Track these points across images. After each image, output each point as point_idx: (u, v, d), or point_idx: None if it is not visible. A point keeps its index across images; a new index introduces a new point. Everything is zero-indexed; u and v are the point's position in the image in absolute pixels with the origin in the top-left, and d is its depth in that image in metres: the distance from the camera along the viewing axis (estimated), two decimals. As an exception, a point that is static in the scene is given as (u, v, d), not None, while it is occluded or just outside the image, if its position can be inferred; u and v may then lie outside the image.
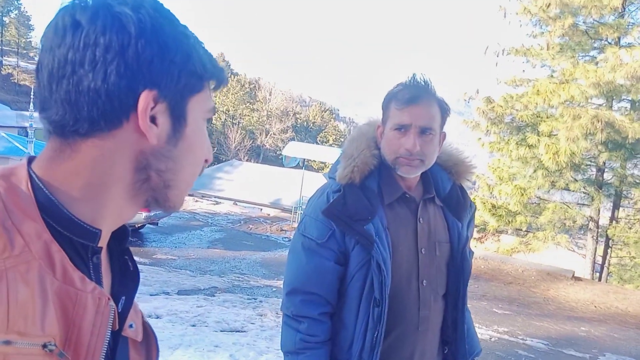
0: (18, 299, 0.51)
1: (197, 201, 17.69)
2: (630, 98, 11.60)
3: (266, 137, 55.70)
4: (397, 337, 1.53)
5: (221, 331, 5.51)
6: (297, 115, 67.06)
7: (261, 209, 18.42)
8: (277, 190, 21.05)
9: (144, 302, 6.16)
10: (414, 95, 1.50)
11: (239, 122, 53.51)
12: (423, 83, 1.53)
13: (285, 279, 1.58)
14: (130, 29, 0.58)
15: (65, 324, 0.56)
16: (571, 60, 11.67)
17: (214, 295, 7.12)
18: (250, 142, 51.28)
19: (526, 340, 6.67)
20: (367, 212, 1.49)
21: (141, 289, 6.81)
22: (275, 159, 46.30)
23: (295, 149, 17.33)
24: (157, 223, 11.59)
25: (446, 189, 1.64)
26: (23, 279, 0.52)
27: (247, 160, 37.66)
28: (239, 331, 5.60)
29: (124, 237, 0.72)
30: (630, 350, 6.81)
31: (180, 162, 0.65)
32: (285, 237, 13.49)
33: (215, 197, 19.88)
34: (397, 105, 1.51)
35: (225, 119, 54.11)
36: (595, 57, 11.74)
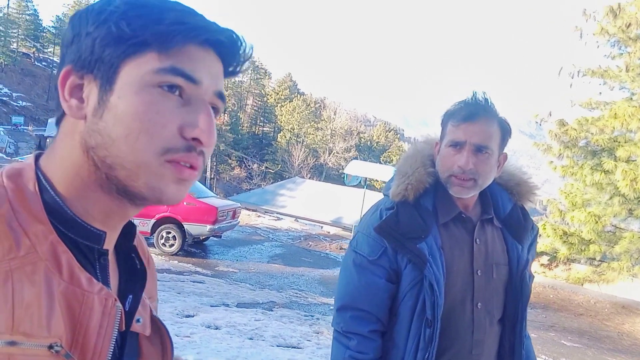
0: (24, 299, 0.51)
1: (259, 216, 18.02)
2: None
3: (329, 156, 56.13)
4: (450, 359, 1.49)
5: (277, 346, 5.53)
6: (361, 135, 67.24)
7: (322, 227, 18.49)
8: (338, 209, 21.07)
9: (204, 313, 6.31)
10: (471, 112, 1.47)
11: (303, 141, 54.31)
12: (483, 101, 1.50)
13: (336, 294, 1.58)
14: (70, 20, 0.63)
15: (72, 325, 0.56)
16: (653, 82, 11.02)
17: (272, 310, 7.17)
18: (314, 160, 51.87)
19: (597, 376, 6.25)
20: (420, 230, 1.47)
21: (202, 299, 7.03)
22: (337, 177, 46.45)
23: (357, 168, 17.33)
24: (221, 236, 11.87)
25: (506, 210, 1.60)
26: (29, 280, 0.52)
27: (309, 178, 38.03)
28: (294, 347, 5.60)
29: (131, 235, 0.71)
30: None
31: (108, 134, 0.58)
32: (343, 256, 13.41)
33: (277, 213, 20.17)
34: (453, 122, 1.49)
35: (290, 137, 55.08)
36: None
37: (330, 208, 20.78)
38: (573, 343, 7.72)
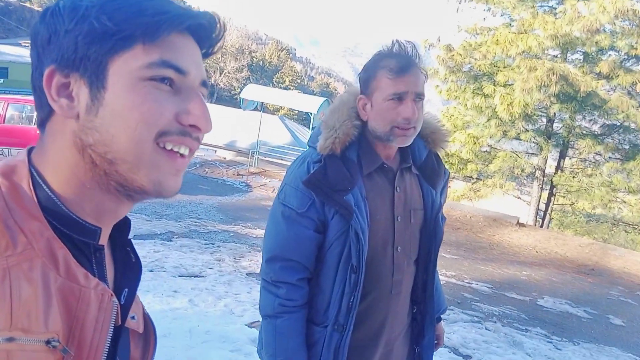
0: (21, 296, 0.52)
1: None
2: (584, 50, 11.88)
3: (220, 76, 54.24)
4: (372, 300, 1.58)
5: (179, 276, 5.53)
6: (253, 54, 65.35)
7: (215, 151, 18.16)
8: (233, 133, 20.73)
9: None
10: (406, 63, 1.48)
11: (192, 60, 51.72)
12: (411, 50, 1.51)
13: (264, 246, 1.60)
14: (41, 18, 0.61)
15: (69, 320, 0.56)
16: (531, 11, 11.75)
17: (171, 241, 7.06)
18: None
19: (472, 283, 7.05)
20: (347, 182, 1.50)
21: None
22: (230, 99, 45.35)
23: (253, 92, 16.95)
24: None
25: (422, 157, 1.67)
26: (26, 277, 0.53)
27: (201, 100, 36.57)
28: (197, 276, 5.63)
29: (126, 228, 0.71)
30: (567, 293, 7.33)
31: (107, 131, 0.59)
32: (242, 182, 13.39)
33: (168, 138, 19.40)
34: (390, 74, 1.48)
35: (178, 56, 52.16)
36: (555, 8, 11.85)
37: (225, 132, 20.37)
38: (452, 255, 8.57)
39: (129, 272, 0.70)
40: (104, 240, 0.65)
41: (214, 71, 54.02)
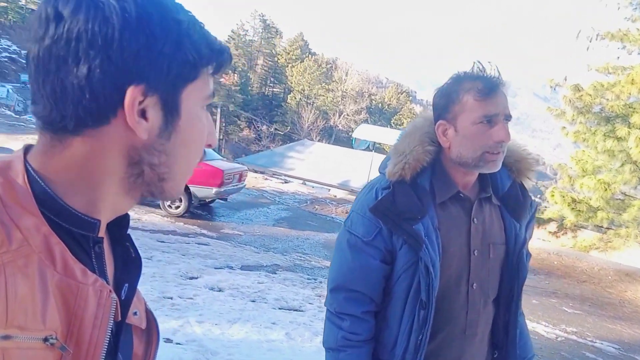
0: (17, 293, 0.51)
1: (266, 179, 18.05)
2: None
3: (339, 118, 55.75)
4: (443, 340, 1.47)
5: (279, 309, 5.61)
6: (373, 97, 66.52)
7: (329, 190, 18.50)
8: (346, 172, 21.06)
9: (208, 275, 6.39)
10: (493, 83, 1.40)
11: (313, 102, 53.91)
12: (494, 71, 1.42)
13: (329, 275, 1.56)
14: (114, 20, 0.55)
15: (67, 317, 0.56)
16: (673, 47, 10.67)
17: (276, 273, 7.24)
18: (323, 122, 51.57)
19: (595, 342, 6.30)
20: (416, 211, 1.42)
21: (207, 262, 7.09)
22: (347, 140, 46.24)
23: (365, 132, 17.18)
24: (227, 199, 11.91)
25: (505, 187, 1.54)
26: (22, 273, 0.52)
27: (319, 141, 37.88)
28: (296, 310, 5.67)
29: (125, 224, 0.71)
30: None
31: (174, 155, 0.63)
32: (350, 220, 13.44)
33: (285, 175, 20.19)
34: (477, 96, 1.39)
35: (300, 99, 54.65)
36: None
37: (338, 171, 20.76)
38: (574, 310, 7.76)
39: (129, 267, 0.70)
40: (102, 232, 0.65)
41: (333, 113, 55.71)
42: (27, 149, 0.63)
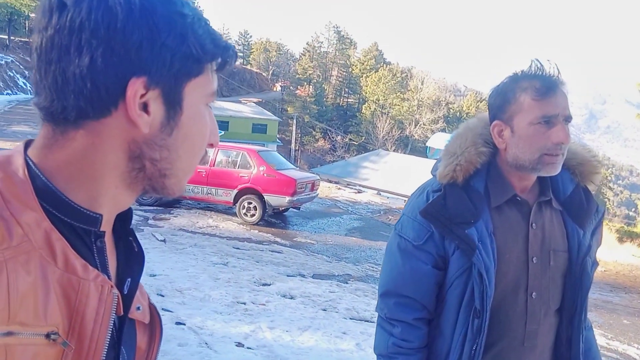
0: (19, 289, 0.51)
1: (339, 189, 18.13)
2: None
3: (415, 128, 55.01)
4: (500, 351, 1.40)
5: (350, 319, 5.59)
6: (450, 105, 65.18)
7: (404, 201, 18.26)
8: (420, 182, 20.69)
9: (280, 282, 6.51)
10: (552, 83, 1.34)
11: (388, 112, 53.61)
12: (554, 70, 1.36)
13: (380, 280, 1.53)
14: (117, 10, 0.55)
15: (68, 312, 0.55)
16: None
17: (347, 283, 7.23)
18: (399, 132, 51.10)
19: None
20: (469, 214, 1.37)
21: (279, 269, 7.22)
22: (423, 150, 45.49)
23: (440, 141, 16.84)
24: (300, 207, 12.09)
25: (567, 191, 1.46)
26: (24, 269, 0.52)
27: (394, 151, 37.57)
28: (367, 321, 5.63)
29: (128, 218, 0.71)
30: None
31: (176, 151, 0.62)
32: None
33: (359, 185, 20.20)
34: (535, 96, 1.34)
35: (375, 109, 54.53)
36: None
37: (414, 181, 20.46)
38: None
39: (131, 262, 0.70)
40: (105, 227, 0.64)
41: (409, 123, 55.08)
42: (28, 143, 0.62)
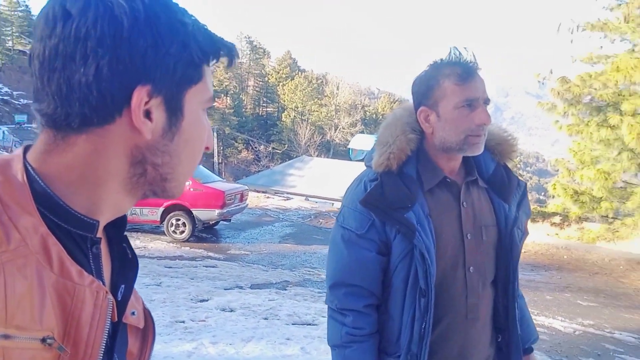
0: (16, 292, 0.51)
1: (268, 197, 18.10)
2: None
3: (335, 132, 55.88)
4: (446, 327, 1.48)
5: (293, 324, 5.60)
6: (366, 108, 66.79)
7: (332, 204, 18.52)
8: (347, 184, 21.07)
9: (218, 296, 6.40)
10: (469, 68, 1.44)
11: (308, 119, 54.11)
12: (471, 56, 1.46)
13: (327, 272, 1.56)
14: (123, 20, 0.56)
15: (64, 317, 0.56)
16: (655, 31, 10.79)
17: (286, 289, 7.24)
18: (320, 137, 51.69)
19: (614, 333, 6.27)
20: (406, 199, 1.44)
21: (216, 283, 7.10)
22: (345, 153, 46.30)
23: (361, 142, 17.28)
24: (230, 219, 11.95)
25: (490, 170, 1.57)
26: (21, 273, 0.52)
27: (317, 156, 37.97)
28: (310, 324, 5.67)
29: (122, 225, 0.71)
30: None
31: (177, 155, 0.64)
32: (355, 231, 13.43)
33: (286, 193, 20.24)
34: (456, 81, 1.43)
35: (295, 116, 54.85)
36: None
37: (340, 184, 20.78)
38: (589, 302, 7.73)
39: (125, 268, 0.70)
40: (101, 233, 0.65)
41: (329, 128, 55.88)
42: (27, 148, 0.63)
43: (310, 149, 47.29)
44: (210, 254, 9.40)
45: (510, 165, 1.63)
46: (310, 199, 19.23)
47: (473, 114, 1.43)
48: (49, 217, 0.58)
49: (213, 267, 8.33)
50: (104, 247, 0.67)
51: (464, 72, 1.43)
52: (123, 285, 0.68)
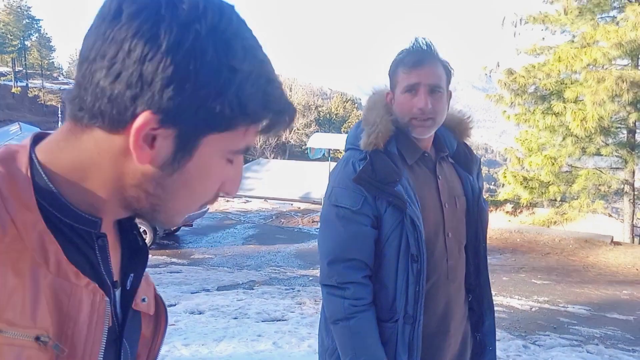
0: (7, 285, 0.50)
1: (228, 201, 17.95)
2: (656, 54, 11.26)
3: (290, 134, 55.88)
4: (432, 287, 1.60)
5: (263, 321, 5.65)
6: (320, 109, 67.15)
7: (292, 204, 18.58)
8: (305, 184, 21.17)
9: (186, 300, 6.36)
10: (419, 57, 1.57)
11: (262, 121, 53.86)
12: (426, 46, 1.59)
13: (322, 250, 1.62)
14: (162, 43, 0.52)
15: (60, 317, 0.55)
16: (591, 23, 11.39)
17: (253, 289, 7.26)
18: (275, 139, 51.52)
19: (567, 307, 6.64)
20: (395, 174, 1.55)
21: (182, 288, 7.06)
22: (301, 154, 46.43)
23: (319, 140, 17.45)
24: (192, 224, 11.83)
25: (453, 147, 1.73)
26: (13, 267, 0.51)
27: (273, 158, 37.90)
28: (280, 320, 5.73)
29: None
30: (676, 309, 6.70)
31: (171, 192, 0.60)
32: (317, 228, 13.53)
33: (245, 196, 20.15)
34: (404, 69, 1.57)
35: (249, 119, 54.54)
36: (616, 17, 11.43)
37: (298, 184, 20.86)
38: (543, 280, 8.12)
39: (135, 256, 0.69)
40: (107, 227, 0.63)
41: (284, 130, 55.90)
42: (36, 138, 0.61)
43: (266, 151, 47.15)
44: (174, 259, 9.29)
45: (468, 142, 1.80)
46: (269, 200, 19.22)
47: (414, 100, 1.56)
48: (51, 211, 0.57)
49: (178, 272, 8.25)
50: (113, 236, 0.66)
51: (410, 60, 1.57)
52: (132, 274, 0.68)
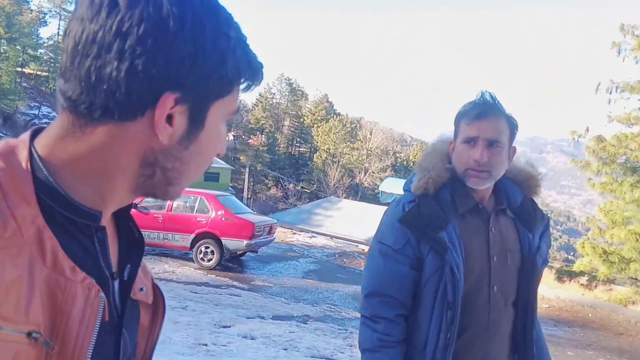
0: (5, 280, 0.50)
1: (294, 234, 18.26)
2: None
3: (365, 176, 56.05)
4: (469, 338, 1.62)
5: (311, 357, 5.68)
6: (397, 155, 67.02)
7: (357, 245, 18.53)
8: (372, 227, 21.03)
9: (241, 324, 6.53)
10: (481, 110, 1.63)
11: (339, 161, 54.48)
12: (490, 100, 1.66)
13: (363, 282, 1.71)
14: (169, 24, 0.55)
15: (53, 313, 0.55)
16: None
17: (306, 323, 7.32)
18: (349, 180, 51.83)
19: (636, 395, 6.12)
20: (440, 220, 1.60)
21: (239, 311, 7.25)
22: (373, 197, 46.30)
23: (391, 185, 17.40)
24: (257, 251, 12.14)
25: (517, 202, 1.73)
26: (12, 262, 0.51)
27: (345, 198, 38.08)
28: (328, 358, 5.73)
29: (128, 205, 0.70)
30: None
31: (188, 163, 0.63)
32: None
33: (312, 231, 20.35)
34: (466, 120, 1.64)
35: (326, 158, 55.36)
36: None
37: (365, 226, 20.79)
38: (612, 362, 7.56)
39: (132, 248, 0.71)
40: (105, 220, 0.64)
41: (359, 171, 56.13)
42: (35, 132, 0.61)
43: (338, 190, 47.44)
44: (235, 283, 9.57)
45: (536, 199, 1.79)
46: (335, 238, 19.29)
47: (471, 152, 1.61)
48: (51, 205, 0.57)
49: (237, 295, 8.49)
50: (111, 228, 0.68)
51: (472, 112, 1.64)
52: (129, 265, 0.69)
